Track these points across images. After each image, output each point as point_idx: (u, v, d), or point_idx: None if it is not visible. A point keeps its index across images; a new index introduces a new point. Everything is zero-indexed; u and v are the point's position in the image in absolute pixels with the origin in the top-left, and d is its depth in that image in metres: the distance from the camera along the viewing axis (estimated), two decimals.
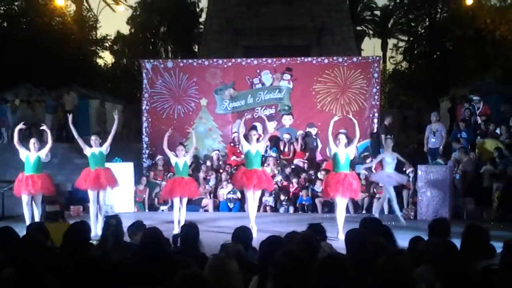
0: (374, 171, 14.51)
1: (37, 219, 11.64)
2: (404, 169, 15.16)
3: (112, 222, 5.93)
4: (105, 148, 12.18)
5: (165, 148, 12.22)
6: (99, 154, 12.11)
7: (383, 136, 16.94)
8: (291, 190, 15.79)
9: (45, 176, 12.33)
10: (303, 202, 15.51)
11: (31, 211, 11.94)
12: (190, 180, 12.37)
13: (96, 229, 11.06)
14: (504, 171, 14.38)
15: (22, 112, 21.20)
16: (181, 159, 12.08)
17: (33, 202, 11.98)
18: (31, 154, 12.08)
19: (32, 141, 12.30)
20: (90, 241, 6.18)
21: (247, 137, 12.01)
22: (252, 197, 11.64)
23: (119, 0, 38.08)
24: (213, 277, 4.00)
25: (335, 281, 3.87)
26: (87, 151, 12.13)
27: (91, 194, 12.04)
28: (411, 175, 15.08)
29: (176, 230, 10.76)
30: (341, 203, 11.20)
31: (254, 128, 13.35)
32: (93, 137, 12.34)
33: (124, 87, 38.54)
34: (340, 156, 11.18)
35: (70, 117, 13.11)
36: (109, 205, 14.36)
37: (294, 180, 15.90)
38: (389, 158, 13.16)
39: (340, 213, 11.12)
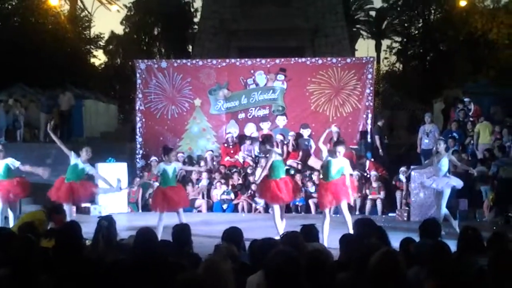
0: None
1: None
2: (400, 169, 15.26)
3: (103, 224, 5.90)
4: (90, 169, 11.42)
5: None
6: (81, 170, 11.22)
7: (376, 137, 17.00)
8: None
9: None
10: (297, 203, 15.50)
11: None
12: (180, 189, 11.57)
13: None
14: (496, 173, 14.44)
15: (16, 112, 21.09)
16: (171, 166, 11.12)
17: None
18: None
19: None
20: (85, 240, 6.18)
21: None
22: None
23: (113, 0, 37.92)
24: (207, 278, 4.01)
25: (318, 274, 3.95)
26: (72, 160, 11.23)
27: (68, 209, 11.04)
28: (404, 175, 15.13)
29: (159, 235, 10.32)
30: (343, 207, 10.68)
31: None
32: (86, 149, 11.38)
33: (118, 87, 38.53)
34: (333, 167, 10.55)
35: (49, 124, 12.67)
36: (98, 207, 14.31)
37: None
38: (440, 162, 11.98)
39: (346, 216, 10.58)
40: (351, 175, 11.45)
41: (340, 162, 10.66)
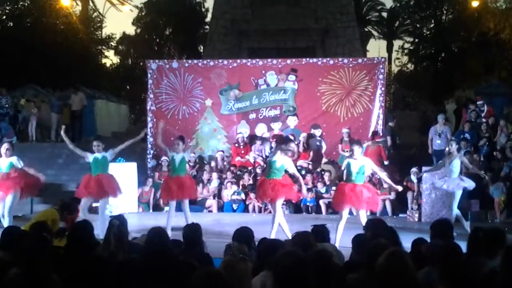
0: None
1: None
2: (412, 170, 15.21)
3: (114, 223, 5.91)
4: (110, 153, 11.51)
5: (159, 143, 12.10)
6: (102, 159, 11.41)
7: (388, 137, 16.95)
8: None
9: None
10: (307, 203, 15.49)
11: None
12: (188, 179, 11.61)
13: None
14: (508, 173, 14.36)
15: (28, 112, 21.22)
16: (179, 154, 11.40)
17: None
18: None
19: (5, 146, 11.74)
20: (98, 239, 6.20)
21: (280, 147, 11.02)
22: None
23: (125, 0, 38.07)
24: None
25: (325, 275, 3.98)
26: (90, 158, 11.40)
27: (86, 202, 11.34)
28: (416, 177, 15.08)
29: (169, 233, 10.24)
30: (361, 215, 10.35)
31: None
32: (95, 143, 11.56)
33: (129, 88, 38.66)
34: (352, 167, 10.42)
35: (63, 128, 12.61)
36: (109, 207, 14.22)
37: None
38: (452, 163, 11.93)
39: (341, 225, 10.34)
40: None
41: (359, 161, 10.55)
